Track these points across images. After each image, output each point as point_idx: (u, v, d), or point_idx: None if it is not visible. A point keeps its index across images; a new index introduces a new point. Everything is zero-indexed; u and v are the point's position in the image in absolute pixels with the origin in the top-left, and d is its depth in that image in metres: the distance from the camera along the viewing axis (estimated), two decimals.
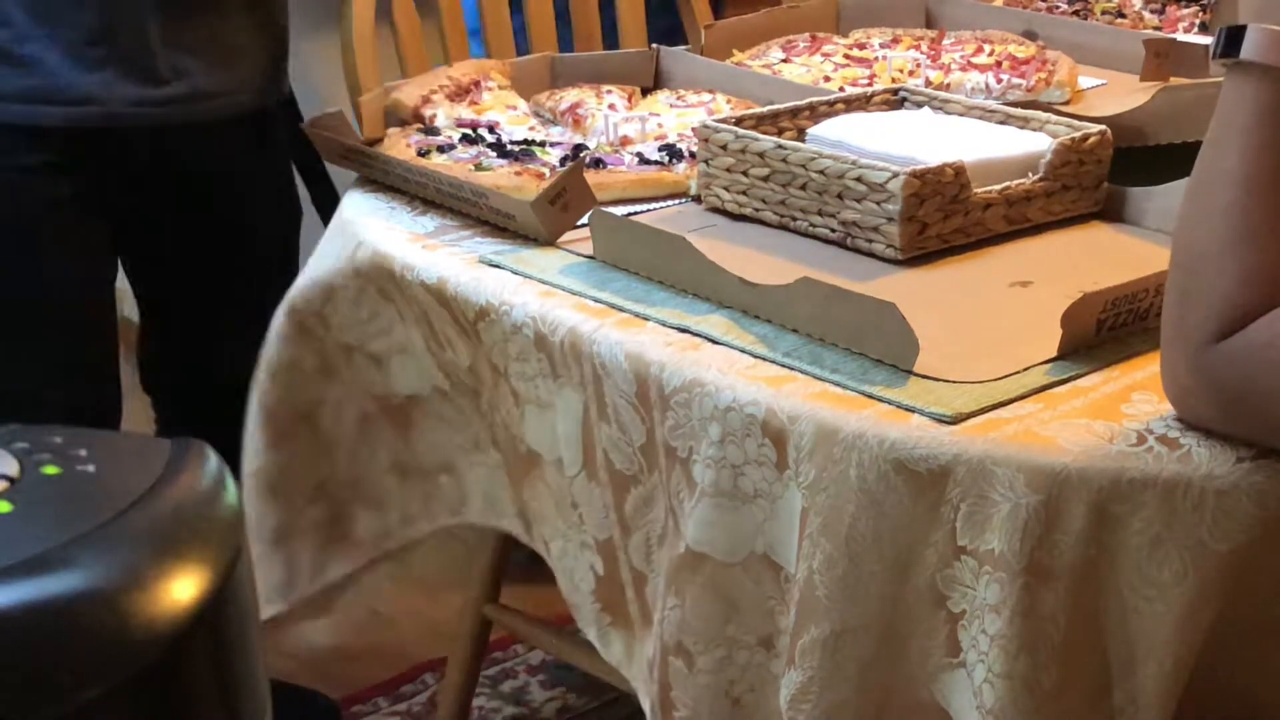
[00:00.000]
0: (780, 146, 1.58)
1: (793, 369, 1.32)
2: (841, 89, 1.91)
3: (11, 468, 0.99)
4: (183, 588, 0.95)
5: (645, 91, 1.97)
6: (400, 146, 1.75)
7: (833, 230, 1.55)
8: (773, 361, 1.33)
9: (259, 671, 1.04)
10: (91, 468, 1.01)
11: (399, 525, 1.76)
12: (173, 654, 0.94)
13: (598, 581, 1.49)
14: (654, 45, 2.04)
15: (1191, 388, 1.18)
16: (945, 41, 2.11)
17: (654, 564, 1.42)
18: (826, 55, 2.07)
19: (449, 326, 1.55)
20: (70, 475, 1.00)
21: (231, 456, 1.43)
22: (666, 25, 2.35)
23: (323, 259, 1.68)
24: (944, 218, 1.52)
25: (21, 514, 0.95)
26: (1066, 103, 1.93)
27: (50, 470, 0.99)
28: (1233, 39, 1.17)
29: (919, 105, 1.76)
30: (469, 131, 1.78)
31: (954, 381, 1.28)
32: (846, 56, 2.06)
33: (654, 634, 1.40)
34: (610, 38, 2.31)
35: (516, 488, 1.59)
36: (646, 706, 1.43)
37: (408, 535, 1.76)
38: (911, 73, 1.99)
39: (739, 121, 1.66)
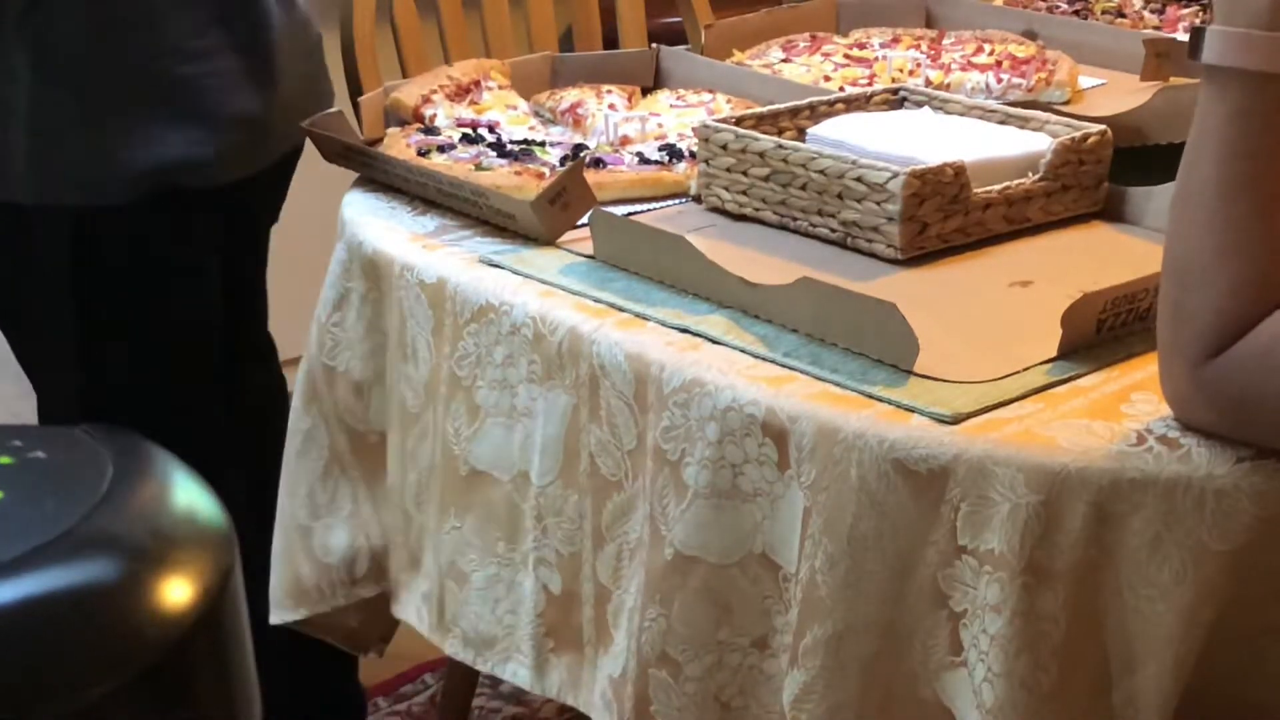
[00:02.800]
0: (780, 146, 1.58)
1: (793, 369, 1.32)
2: (841, 89, 1.91)
3: None
4: (189, 578, 0.95)
5: (645, 91, 1.97)
6: (400, 146, 1.75)
7: (833, 230, 1.55)
8: (773, 361, 1.33)
9: (252, 668, 1.04)
10: (41, 454, 1.00)
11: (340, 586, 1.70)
12: (186, 640, 0.94)
13: (548, 602, 1.48)
14: (654, 45, 2.04)
15: (1194, 400, 1.17)
16: (945, 41, 2.11)
17: (621, 580, 1.41)
18: (826, 55, 2.07)
19: (423, 332, 1.55)
20: (25, 464, 0.99)
21: None
22: None
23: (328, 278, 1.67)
24: (944, 218, 1.52)
25: (15, 499, 0.95)
26: (1066, 103, 1.93)
27: (5, 460, 0.99)
28: (1195, 42, 1.14)
29: (919, 105, 1.76)
30: (469, 131, 1.78)
31: (954, 381, 1.28)
32: (846, 56, 2.06)
33: (623, 650, 1.39)
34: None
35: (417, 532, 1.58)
36: None
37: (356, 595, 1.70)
38: (911, 73, 1.99)
39: (739, 121, 1.65)
